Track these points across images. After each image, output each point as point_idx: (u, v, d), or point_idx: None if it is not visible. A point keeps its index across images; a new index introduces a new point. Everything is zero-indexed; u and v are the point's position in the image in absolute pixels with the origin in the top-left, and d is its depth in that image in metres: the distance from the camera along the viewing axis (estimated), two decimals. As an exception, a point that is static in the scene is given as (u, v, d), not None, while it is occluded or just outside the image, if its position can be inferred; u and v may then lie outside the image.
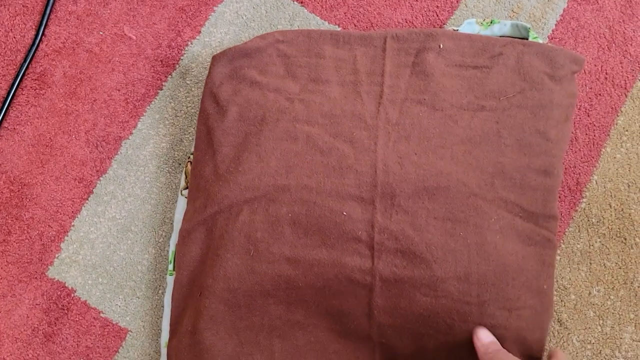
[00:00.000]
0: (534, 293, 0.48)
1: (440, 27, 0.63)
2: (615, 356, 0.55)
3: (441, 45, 0.54)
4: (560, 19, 0.63)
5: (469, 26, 0.60)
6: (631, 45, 0.62)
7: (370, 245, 0.48)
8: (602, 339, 0.56)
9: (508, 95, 0.52)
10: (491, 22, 0.60)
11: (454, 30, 0.58)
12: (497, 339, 0.46)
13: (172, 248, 0.56)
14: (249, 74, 0.54)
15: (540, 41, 0.57)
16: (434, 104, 0.52)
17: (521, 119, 0.51)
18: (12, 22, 0.63)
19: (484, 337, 0.45)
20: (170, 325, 0.53)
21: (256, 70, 0.55)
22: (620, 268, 0.57)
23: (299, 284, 0.48)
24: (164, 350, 0.54)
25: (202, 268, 0.51)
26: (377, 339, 0.48)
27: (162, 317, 0.58)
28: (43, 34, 0.63)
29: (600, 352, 0.55)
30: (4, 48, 0.63)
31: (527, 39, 0.58)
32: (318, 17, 0.64)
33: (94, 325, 0.58)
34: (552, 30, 0.63)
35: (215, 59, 0.56)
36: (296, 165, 0.51)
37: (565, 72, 0.53)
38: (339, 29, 0.63)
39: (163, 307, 0.55)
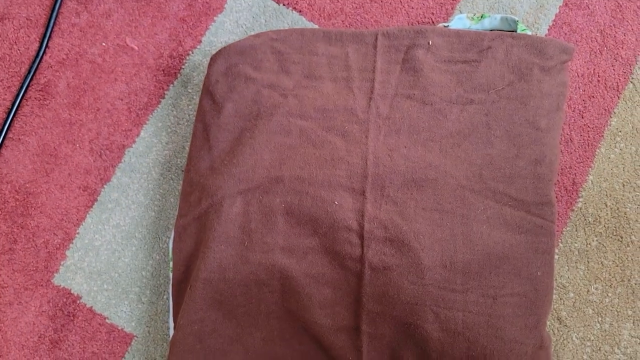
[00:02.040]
0: (524, 280, 0.49)
1: (435, 34, 0.65)
2: (615, 352, 0.56)
3: (430, 42, 0.56)
4: (553, 24, 0.65)
5: (460, 21, 0.61)
6: (622, 48, 0.64)
7: (360, 234, 0.50)
8: (602, 335, 0.57)
9: (497, 87, 0.54)
10: (481, 17, 0.61)
11: (444, 26, 0.60)
12: (482, 326, 0.47)
13: (171, 246, 0.57)
14: (244, 70, 0.56)
15: (529, 33, 0.58)
16: (424, 99, 0.54)
17: (510, 111, 0.53)
18: (16, 35, 0.65)
19: None
20: (174, 320, 0.54)
21: (251, 67, 0.56)
22: (617, 266, 0.58)
23: (292, 273, 0.50)
24: None
25: (197, 261, 0.52)
26: (365, 328, 0.49)
27: (167, 319, 0.58)
28: (47, 46, 0.64)
29: (599, 349, 0.56)
30: (9, 60, 0.64)
31: (516, 31, 0.60)
32: (316, 26, 0.65)
33: (100, 331, 0.58)
34: (545, 36, 0.65)
35: (212, 58, 0.58)
36: (289, 157, 0.52)
37: (555, 62, 0.55)
38: (337, 36, 0.65)
39: (169, 305, 0.55)
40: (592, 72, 0.63)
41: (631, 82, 0.63)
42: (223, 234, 0.51)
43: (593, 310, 0.57)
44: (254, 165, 0.52)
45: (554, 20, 0.65)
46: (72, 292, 0.59)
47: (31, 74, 0.63)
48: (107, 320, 0.59)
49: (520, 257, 0.49)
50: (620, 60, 0.64)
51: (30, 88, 0.64)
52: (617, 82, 0.63)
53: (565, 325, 0.57)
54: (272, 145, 0.53)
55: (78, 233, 0.61)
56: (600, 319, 0.57)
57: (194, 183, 0.54)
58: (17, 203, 0.61)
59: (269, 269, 0.50)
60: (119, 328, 0.58)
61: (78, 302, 0.59)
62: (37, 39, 0.65)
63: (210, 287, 0.50)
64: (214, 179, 0.53)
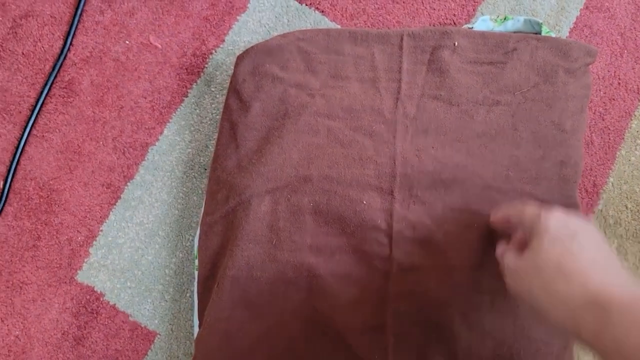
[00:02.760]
0: None
1: (457, 35, 0.65)
2: (636, 354, 0.56)
3: (456, 43, 0.56)
4: (574, 27, 0.65)
5: (483, 23, 0.61)
6: (643, 51, 0.64)
7: (389, 233, 0.50)
8: (623, 337, 0.57)
9: (523, 89, 0.54)
10: (505, 19, 0.61)
11: (469, 28, 0.60)
12: (509, 326, 0.48)
13: (197, 243, 0.57)
14: (271, 70, 0.56)
15: (553, 35, 0.58)
16: (450, 100, 0.54)
17: (536, 112, 0.53)
18: (40, 32, 0.65)
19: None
20: (199, 318, 0.54)
21: (277, 67, 0.56)
22: (638, 268, 0.58)
23: (320, 271, 0.50)
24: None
25: (224, 259, 0.53)
26: (391, 328, 0.49)
27: (191, 317, 0.59)
28: (71, 43, 0.64)
29: (621, 350, 0.57)
30: (33, 57, 0.64)
31: (539, 33, 0.60)
32: (339, 26, 0.66)
33: (123, 329, 0.58)
34: (566, 38, 0.65)
35: (239, 58, 0.58)
36: (317, 156, 0.53)
37: (579, 65, 0.55)
38: (359, 37, 0.65)
39: (193, 302, 0.56)
40: (613, 74, 0.64)
41: (652, 85, 0.64)
42: (251, 232, 0.51)
43: (614, 311, 0.58)
44: (282, 164, 0.52)
45: (575, 23, 0.66)
46: (95, 289, 0.59)
47: (55, 71, 0.63)
48: (130, 318, 0.59)
49: None
50: (641, 63, 0.64)
51: (54, 85, 0.64)
52: (638, 85, 0.63)
53: (587, 326, 0.57)
54: (300, 145, 0.53)
55: (101, 230, 0.61)
56: (621, 320, 0.57)
57: (221, 181, 0.54)
58: (41, 200, 0.61)
59: (297, 267, 0.50)
60: (142, 326, 0.59)
61: (101, 299, 0.59)
62: (61, 37, 0.65)
63: (238, 286, 0.50)
64: (241, 178, 0.53)
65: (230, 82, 0.58)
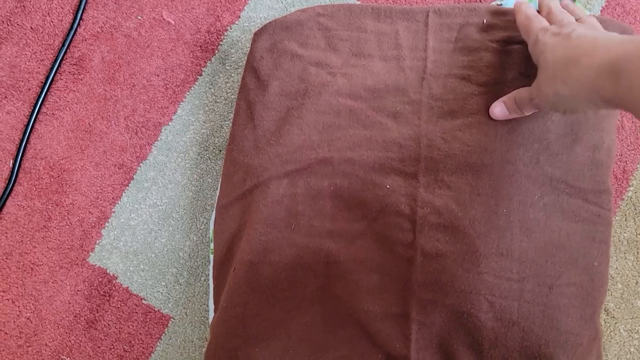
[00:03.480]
0: (581, 270, 0.48)
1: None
2: (665, 346, 0.55)
3: (485, 21, 0.53)
4: (606, 5, 0.62)
5: (513, 0, 0.58)
6: (678, 31, 0.61)
7: (413, 219, 0.48)
8: (650, 328, 0.55)
9: None
10: None
11: (497, 5, 0.57)
12: (538, 316, 0.46)
13: (212, 226, 0.56)
14: (290, 46, 0.54)
15: (587, 13, 0.56)
16: (478, 80, 0.51)
17: None
18: (49, 6, 0.63)
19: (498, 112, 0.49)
20: (214, 302, 0.52)
21: (297, 43, 0.54)
22: (668, 257, 0.56)
23: (340, 257, 0.48)
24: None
25: (240, 243, 0.51)
26: (415, 316, 0.48)
27: (206, 301, 0.57)
28: (81, 18, 0.62)
29: (648, 342, 0.55)
30: (42, 32, 0.62)
31: None
32: (359, 2, 0.63)
33: (136, 312, 0.57)
34: (599, 16, 0.62)
35: (256, 34, 0.55)
36: (338, 138, 0.50)
37: None
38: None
39: (209, 286, 0.54)
40: (646, 56, 0.61)
41: (687, 67, 0.61)
42: (269, 216, 0.49)
43: (642, 302, 0.56)
44: (302, 145, 0.50)
45: (607, 1, 0.63)
46: (107, 271, 0.58)
47: (65, 47, 0.61)
48: (143, 301, 0.58)
49: (577, 246, 0.48)
50: (676, 44, 0.61)
51: (64, 62, 0.62)
52: (672, 67, 0.61)
53: (613, 317, 0.56)
54: (320, 126, 0.51)
55: (114, 212, 0.59)
56: (649, 311, 0.56)
57: (237, 163, 0.52)
58: (52, 180, 0.60)
59: (316, 252, 0.48)
60: (156, 309, 0.57)
61: (114, 282, 0.58)
62: (71, 11, 0.63)
63: (255, 270, 0.49)
64: (259, 159, 0.51)
65: (247, 60, 0.55)
